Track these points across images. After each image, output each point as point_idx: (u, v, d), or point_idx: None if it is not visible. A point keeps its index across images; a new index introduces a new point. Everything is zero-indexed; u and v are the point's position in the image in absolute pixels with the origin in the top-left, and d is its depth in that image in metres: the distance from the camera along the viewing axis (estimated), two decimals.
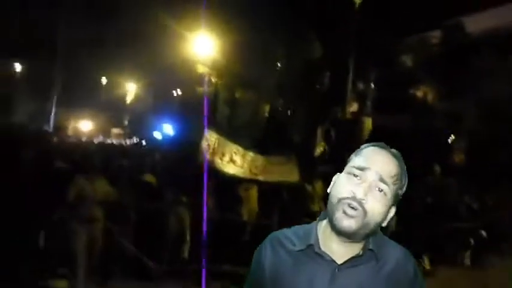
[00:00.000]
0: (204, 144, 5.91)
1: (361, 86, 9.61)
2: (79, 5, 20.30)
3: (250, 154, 6.87)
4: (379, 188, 1.25)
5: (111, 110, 29.97)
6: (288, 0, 9.38)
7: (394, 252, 1.33)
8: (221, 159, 6.41)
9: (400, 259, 1.32)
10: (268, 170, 6.96)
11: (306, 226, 1.40)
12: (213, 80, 11.54)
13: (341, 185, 1.29)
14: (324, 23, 9.02)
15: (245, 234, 7.14)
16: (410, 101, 9.00)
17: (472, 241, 7.18)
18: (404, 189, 1.33)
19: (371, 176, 1.26)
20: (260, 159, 6.93)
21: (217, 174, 6.13)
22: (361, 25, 8.62)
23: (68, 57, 22.49)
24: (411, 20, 9.06)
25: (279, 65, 10.21)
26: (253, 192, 7.67)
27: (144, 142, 18.47)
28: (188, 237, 6.52)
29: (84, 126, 28.95)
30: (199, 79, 8.77)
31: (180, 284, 5.82)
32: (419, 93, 8.92)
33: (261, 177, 6.90)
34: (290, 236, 1.38)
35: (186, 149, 8.04)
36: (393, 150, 1.35)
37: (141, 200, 6.36)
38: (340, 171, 1.34)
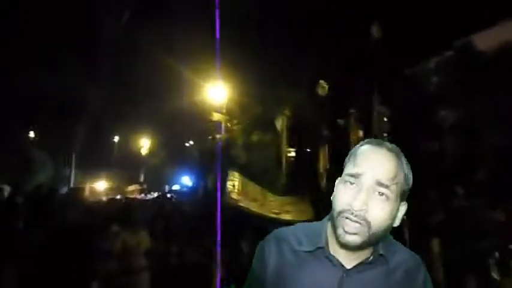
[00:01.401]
0: (229, 185, 5.95)
1: (378, 117, 9.56)
2: (85, 68, 20.72)
3: (269, 194, 6.92)
4: (379, 192, 1.16)
5: (127, 167, 30.17)
6: (304, 38, 9.53)
7: (405, 258, 1.28)
8: (246, 198, 6.46)
9: (411, 265, 1.28)
10: (285, 209, 6.94)
11: (313, 225, 1.34)
12: (229, 125, 11.66)
13: (338, 195, 1.21)
14: (340, 60, 9.12)
15: None
16: (435, 124, 8.86)
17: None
18: (410, 182, 1.24)
19: (367, 181, 1.17)
20: (277, 199, 6.94)
21: (247, 214, 6.14)
22: (377, 57, 8.67)
23: (83, 119, 22.88)
24: (421, 44, 9.08)
25: (294, 106, 10.26)
26: None
27: (169, 195, 18.41)
28: None
29: (101, 185, 29.11)
30: (215, 127, 8.79)
31: None
32: (443, 116, 8.79)
33: (280, 217, 6.86)
34: (297, 234, 1.32)
35: (209, 194, 8.03)
36: (389, 144, 1.25)
37: (182, 248, 6.45)
38: None
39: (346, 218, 1.16)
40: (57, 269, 4.23)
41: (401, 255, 1.28)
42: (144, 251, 5.41)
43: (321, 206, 7.29)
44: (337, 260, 1.23)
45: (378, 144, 1.24)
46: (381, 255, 1.23)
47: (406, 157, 1.26)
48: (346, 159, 1.27)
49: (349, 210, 1.15)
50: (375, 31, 9.00)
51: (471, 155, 9.37)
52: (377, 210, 1.16)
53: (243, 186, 6.53)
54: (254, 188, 6.79)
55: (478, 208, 7.74)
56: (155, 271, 5.60)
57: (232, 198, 6.14)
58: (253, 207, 6.53)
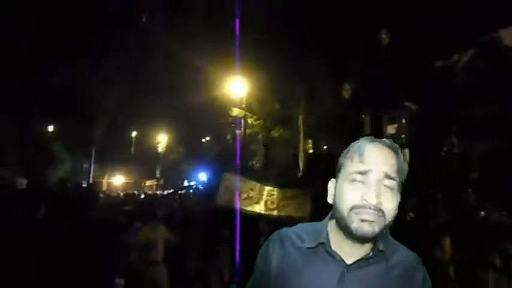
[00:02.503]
0: (223, 184, 6.05)
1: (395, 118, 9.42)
2: (105, 64, 20.82)
3: (267, 189, 6.87)
4: (386, 185, 1.21)
5: (145, 162, 30.39)
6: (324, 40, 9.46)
7: (404, 256, 1.31)
8: (239, 197, 6.51)
9: (410, 263, 1.31)
10: (283, 204, 6.88)
11: (315, 224, 1.38)
12: (250, 121, 11.63)
13: (347, 193, 1.23)
14: (362, 57, 9.02)
15: None
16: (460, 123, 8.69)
17: None
18: (406, 174, 1.28)
19: (375, 176, 1.20)
20: (276, 193, 6.86)
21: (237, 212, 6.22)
22: (391, 61, 8.58)
23: (102, 114, 23.05)
24: (444, 41, 8.90)
25: (314, 103, 10.18)
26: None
27: (184, 190, 18.48)
28: None
29: (119, 180, 29.45)
30: (234, 122, 8.77)
31: None
32: (469, 114, 8.60)
33: (275, 212, 6.81)
34: (299, 232, 1.36)
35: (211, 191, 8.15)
36: (385, 140, 1.29)
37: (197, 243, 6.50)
38: None
39: (362, 211, 1.18)
40: (80, 260, 4.30)
41: (401, 253, 1.31)
42: (163, 244, 5.51)
43: (320, 203, 7.19)
44: (339, 255, 1.26)
45: (378, 141, 1.27)
46: (381, 251, 1.25)
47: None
48: (343, 157, 1.28)
49: (365, 205, 1.18)
50: (384, 37, 8.95)
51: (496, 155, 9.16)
52: (388, 202, 1.19)
53: (234, 185, 6.53)
54: (249, 185, 6.77)
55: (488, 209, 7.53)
56: (173, 263, 5.69)
57: (223, 199, 6.22)
58: (246, 206, 6.56)
